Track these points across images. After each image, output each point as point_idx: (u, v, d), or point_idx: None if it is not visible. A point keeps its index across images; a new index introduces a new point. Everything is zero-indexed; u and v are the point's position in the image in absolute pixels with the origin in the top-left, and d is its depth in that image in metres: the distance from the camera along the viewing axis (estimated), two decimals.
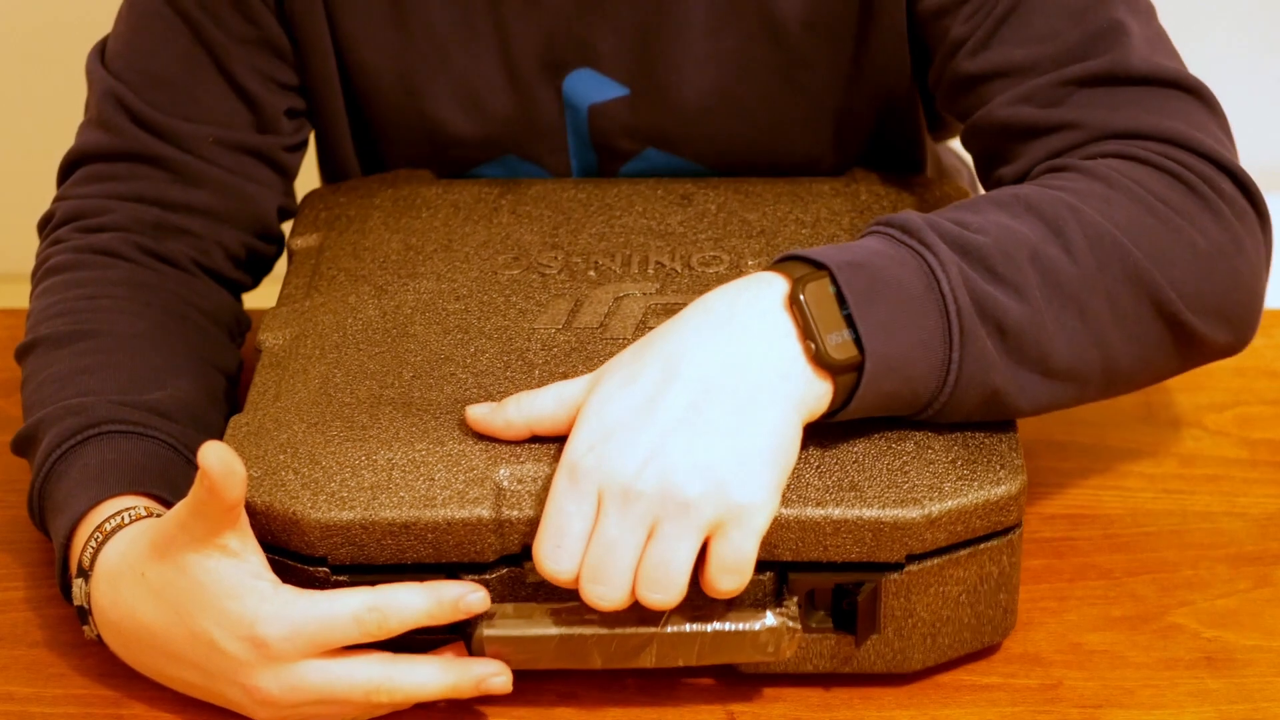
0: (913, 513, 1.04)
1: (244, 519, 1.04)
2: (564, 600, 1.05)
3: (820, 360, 1.03)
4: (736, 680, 1.10)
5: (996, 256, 1.07)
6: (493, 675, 1.04)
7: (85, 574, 1.08)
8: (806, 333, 1.03)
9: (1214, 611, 1.16)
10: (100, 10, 2.22)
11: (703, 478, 1.00)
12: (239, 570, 1.04)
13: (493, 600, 1.06)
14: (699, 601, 1.04)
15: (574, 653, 1.05)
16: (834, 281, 1.04)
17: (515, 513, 1.04)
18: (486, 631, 1.05)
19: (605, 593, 1.01)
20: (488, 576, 1.06)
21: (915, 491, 1.05)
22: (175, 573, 1.04)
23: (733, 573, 1.02)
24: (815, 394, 1.04)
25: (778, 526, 1.04)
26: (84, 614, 1.09)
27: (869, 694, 1.09)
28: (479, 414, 1.08)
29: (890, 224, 1.09)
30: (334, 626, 1.03)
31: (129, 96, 1.29)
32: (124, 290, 1.24)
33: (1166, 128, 1.16)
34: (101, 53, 1.32)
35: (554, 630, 1.04)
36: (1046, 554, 1.19)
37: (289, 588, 1.04)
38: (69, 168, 1.32)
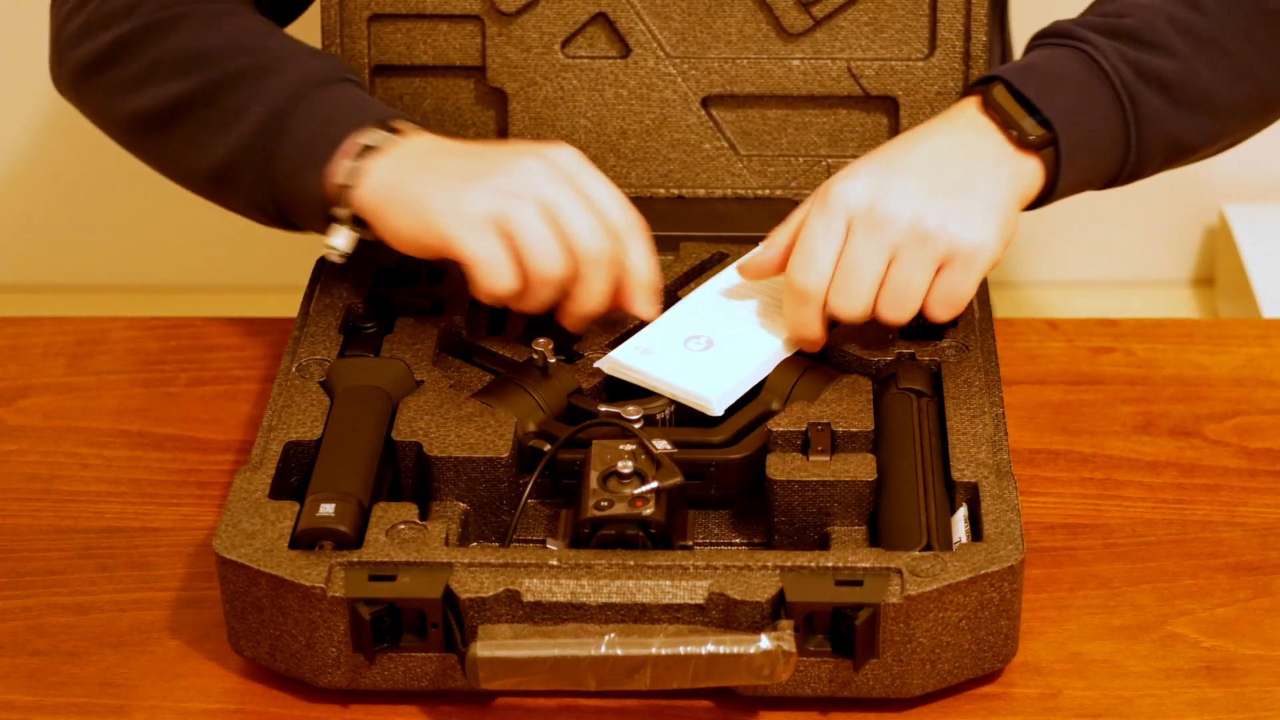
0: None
1: None
2: (559, 623, 1.06)
3: (1022, 143, 1.23)
4: (734, 703, 1.10)
5: (1142, 30, 1.27)
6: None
7: (368, 152, 1.24)
8: (1006, 124, 1.23)
9: (1214, 621, 1.16)
10: None
11: (940, 215, 1.18)
12: None
13: (490, 621, 1.07)
14: (694, 623, 1.05)
15: (568, 674, 1.05)
16: (1010, 87, 1.24)
17: None
18: (481, 652, 1.05)
19: (849, 304, 1.19)
20: (486, 596, 1.07)
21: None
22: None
23: (950, 305, 1.19)
24: (1026, 172, 1.23)
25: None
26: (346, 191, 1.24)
27: (868, 707, 1.09)
28: (751, 265, 1.25)
29: (1044, 35, 1.30)
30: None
31: None
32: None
33: None
34: None
35: (548, 652, 1.04)
36: (1046, 564, 1.20)
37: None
38: None
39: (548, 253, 1.20)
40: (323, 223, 1.27)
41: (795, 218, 1.24)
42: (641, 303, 1.24)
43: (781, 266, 1.23)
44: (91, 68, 1.35)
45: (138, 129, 1.34)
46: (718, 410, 1.21)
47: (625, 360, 1.23)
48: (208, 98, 1.30)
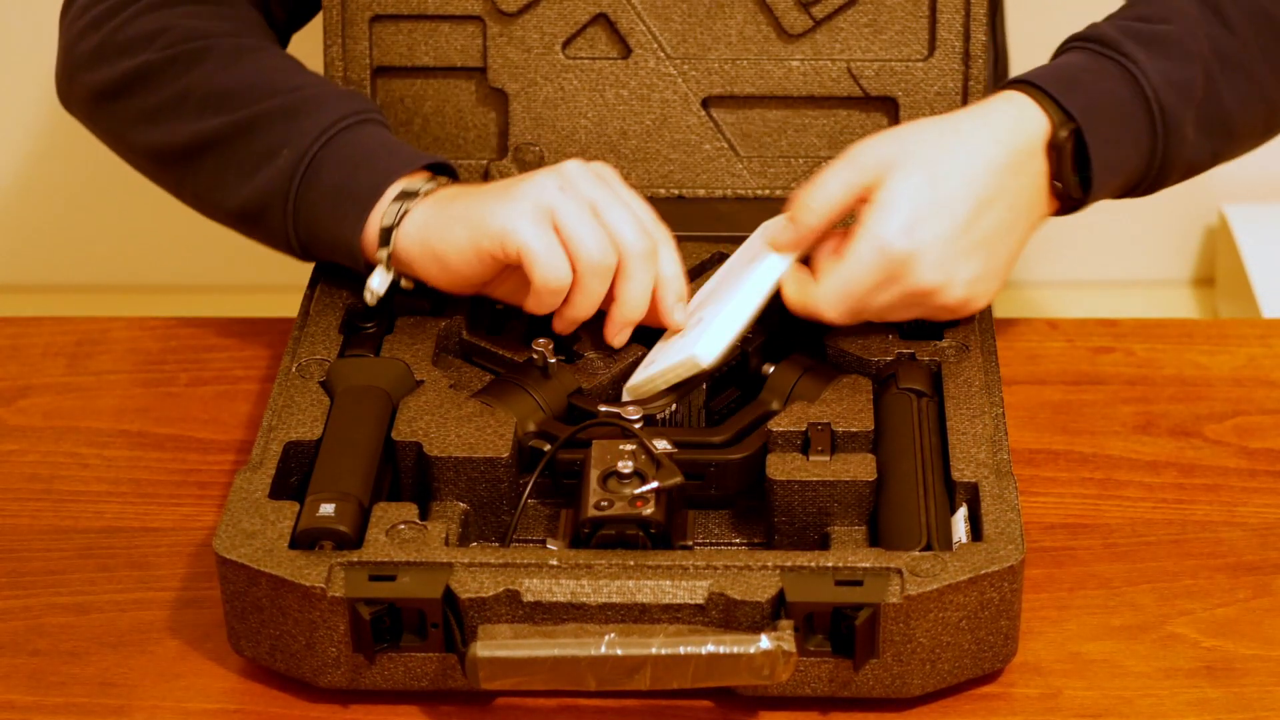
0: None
1: None
2: (559, 623, 1.06)
3: (1059, 195, 1.25)
4: (734, 703, 1.10)
5: (1184, 40, 1.27)
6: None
7: (410, 196, 1.25)
8: (1056, 174, 1.24)
9: (1213, 621, 1.16)
10: None
11: (968, 284, 1.21)
12: None
13: (490, 621, 1.07)
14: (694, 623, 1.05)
15: (568, 674, 1.05)
16: (1072, 120, 1.23)
17: None
18: (481, 652, 1.04)
19: (859, 321, 1.23)
20: (486, 596, 1.07)
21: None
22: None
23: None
24: (1048, 213, 1.26)
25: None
26: (388, 232, 1.25)
27: (868, 707, 1.09)
28: (779, 235, 1.24)
29: (1085, 40, 1.28)
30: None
31: None
32: (268, 34, 1.40)
33: None
34: None
35: (548, 652, 1.04)
36: (1046, 564, 1.20)
37: None
38: None
39: (597, 243, 1.20)
40: (351, 263, 1.27)
41: (828, 195, 1.22)
42: (670, 309, 1.24)
43: (809, 245, 1.24)
44: (107, 94, 1.36)
45: (157, 160, 1.35)
46: (705, 362, 1.19)
47: (635, 381, 1.23)
48: (233, 138, 1.30)
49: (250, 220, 1.31)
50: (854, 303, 1.21)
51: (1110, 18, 1.31)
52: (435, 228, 1.24)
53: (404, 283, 1.28)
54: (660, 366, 1.22)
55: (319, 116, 1.29)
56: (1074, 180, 1.24)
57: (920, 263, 1.19)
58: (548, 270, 1.20)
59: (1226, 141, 1.31)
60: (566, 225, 1.21)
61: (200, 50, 1.33)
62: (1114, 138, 1.25)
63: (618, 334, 1.24)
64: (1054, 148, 1.23)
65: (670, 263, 1.24)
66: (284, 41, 1.46)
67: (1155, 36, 1.27)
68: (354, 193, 1.26)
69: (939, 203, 1.20)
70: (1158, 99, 1.26)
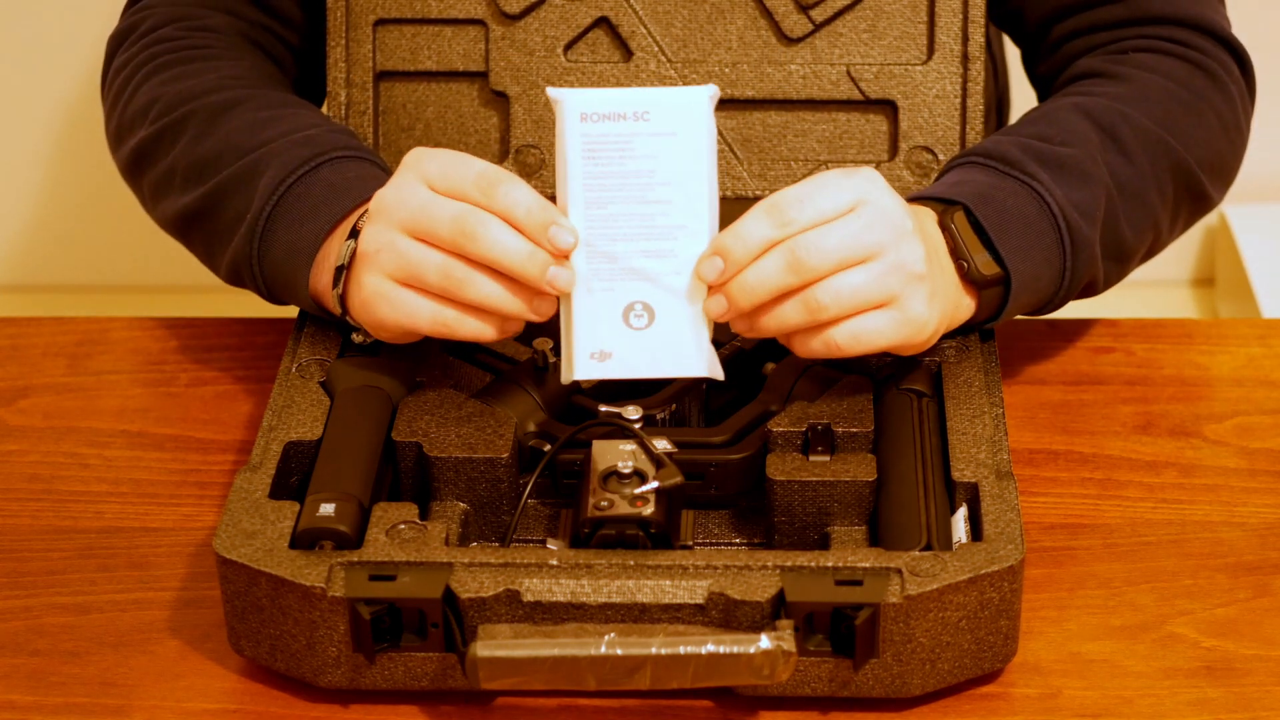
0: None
1: None
2: (559, 623, 1.06)
3: (969, 276, 1.20)
4: (734, 703, 1.10)
5: (1086, 164, 1.26)
6: (560, 269, 1.14)
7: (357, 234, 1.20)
8: (956, 252, 1.20)
9: (1213, 621, 1.16)
10: (96, 26, 2.23)
11: (930, 309, 1.17)
12: None
13: (490, 621, 1.07)
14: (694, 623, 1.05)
15: (568, 674, 1.05)
16: (968, 214, 1.21)
17: None
18: (481, 652, 1.05)
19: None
20: (486, 596, 1.07)
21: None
22: None
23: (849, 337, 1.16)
24: (961, 307, 1.21)
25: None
26: (341, 271, 1.21)
27: (868, 707, 1.10)
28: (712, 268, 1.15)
29: (989, 156, 1.26)
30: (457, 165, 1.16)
31: None
32: (257, 70, 1.39)
33: (1185, 13, 1.36)
34: None
35: (548, 652, 1.04)
36: (1046, 563, 1.20)
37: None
38: None
39: (429, 264, 1.16)
40: (330, 316, 1.26)
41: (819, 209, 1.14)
42: (542, 235, 1.13)
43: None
44: (126, 172, 1.40)
45: (171, 232, 1.37)
46: (722, 374, 1.18)
47: (592, 374, 1.18)
48: (209, 210, 1.31)
49: (240, 284, 1.32)
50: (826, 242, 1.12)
51: (1009, 133, 1.29)
52: (367, 321, 1.21)
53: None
54: (647, 375, 1.18)
55: (269, 177, 1.27)
56: (985, 256, 1.20)
57: (917, 242, 1.14)
58: (434, 325, 1.17)
59: (1119, 266, 1.30)
60: (409, 274, 1.16)
61: (182, 119, 1.33)
62: (1027, 251, 1.22)
63: (530, 299, 1.16)
64: (944, 228, 1.20)
65: (509, 196, 1.14)
66: (306, 52, 1.46)
67: (1058, 159, 1.26)
68: (296, 260, 1.25)
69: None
70: (1065, 218, 1.24)
